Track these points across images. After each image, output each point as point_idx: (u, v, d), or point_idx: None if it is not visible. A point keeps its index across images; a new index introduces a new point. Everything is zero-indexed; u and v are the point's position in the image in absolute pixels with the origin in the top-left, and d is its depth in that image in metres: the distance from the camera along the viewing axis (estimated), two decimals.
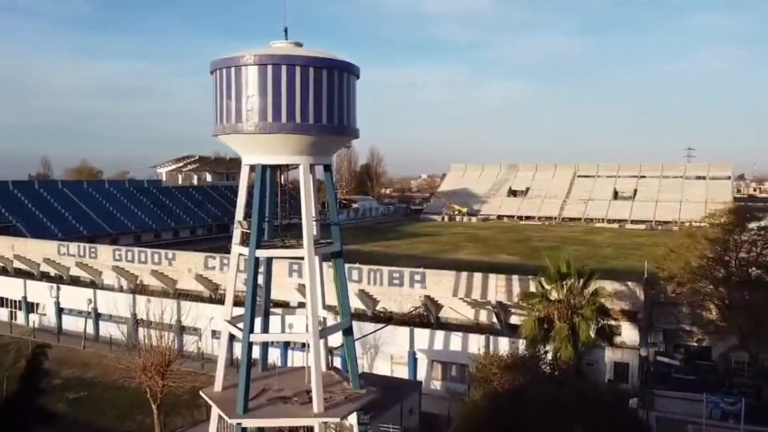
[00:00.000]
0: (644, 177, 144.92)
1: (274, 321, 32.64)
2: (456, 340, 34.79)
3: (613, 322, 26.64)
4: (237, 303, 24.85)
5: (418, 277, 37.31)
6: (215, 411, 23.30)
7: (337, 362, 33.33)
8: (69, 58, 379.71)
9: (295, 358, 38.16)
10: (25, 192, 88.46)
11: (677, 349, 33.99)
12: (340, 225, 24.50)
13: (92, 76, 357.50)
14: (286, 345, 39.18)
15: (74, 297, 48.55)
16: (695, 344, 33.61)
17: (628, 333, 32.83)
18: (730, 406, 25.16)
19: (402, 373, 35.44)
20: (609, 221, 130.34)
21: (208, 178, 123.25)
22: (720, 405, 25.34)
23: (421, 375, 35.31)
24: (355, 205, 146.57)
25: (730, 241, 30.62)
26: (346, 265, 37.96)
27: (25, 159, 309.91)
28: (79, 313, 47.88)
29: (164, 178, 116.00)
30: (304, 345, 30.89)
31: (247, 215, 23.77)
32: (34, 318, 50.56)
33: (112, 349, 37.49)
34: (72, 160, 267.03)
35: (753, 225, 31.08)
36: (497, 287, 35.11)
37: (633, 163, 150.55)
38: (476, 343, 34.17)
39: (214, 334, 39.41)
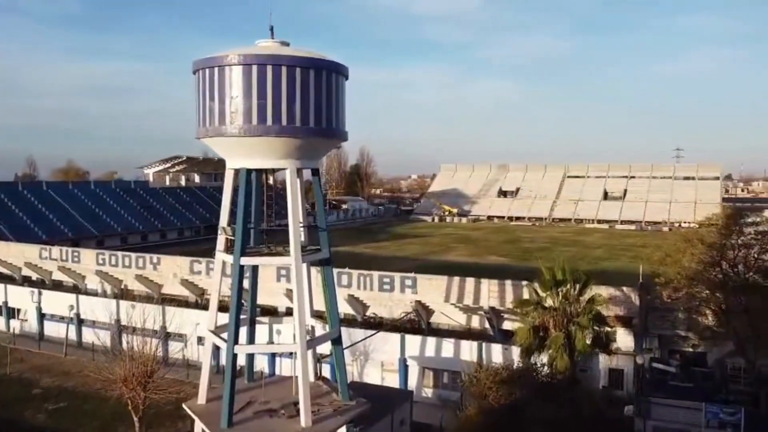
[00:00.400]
0: (634, 177, 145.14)
1: (261, 329, 31.88)
2: (448, 347, 34.04)
3: (609, 330, 25.94)
4: (223, 308, 23.97)
5: (409, 282, 36.48)
6: (198, 425, 22.39)
7: (327, 370, 32.54)
8: (57, 58, 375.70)
9: (284, 365, 37.30)
10: (8, 193, 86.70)
11: (672, 355, 33.41)
12: (328, 231, 23.62)
13: (80, 76, 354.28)
14: (274, 353, 38.22)
15: (56, 302, 47.32)
16: (690, 350, 33.05)
17: (623, 339, 32.23)
18: (730, 416, 24.58)
19: (393, 380, 34.66)
20: (599, 222, 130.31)
21: (197, 179, 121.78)
22: (720, 415, 24.76)
23: (413, 382, 34.56)
24: (344, 206, 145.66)
25: (727, 245, 30.05)
26: (335, 270, 37.13)
27: (11, 159, 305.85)
28: (62, 318, 46.68)
29: (151, 179, 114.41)
30: (292, 353, 30.04)
31: (232, 221, 22.93)
32: (14, 324, 49.22)
33: (94, 357, 36.33)
34: (59, 160, 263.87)
35: (750, 229, 30.56)
36: (489, 292, 34.37)
37: (623, 163, 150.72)
38: (468, 350, 33.45)
39: (200, 340, 38.42)
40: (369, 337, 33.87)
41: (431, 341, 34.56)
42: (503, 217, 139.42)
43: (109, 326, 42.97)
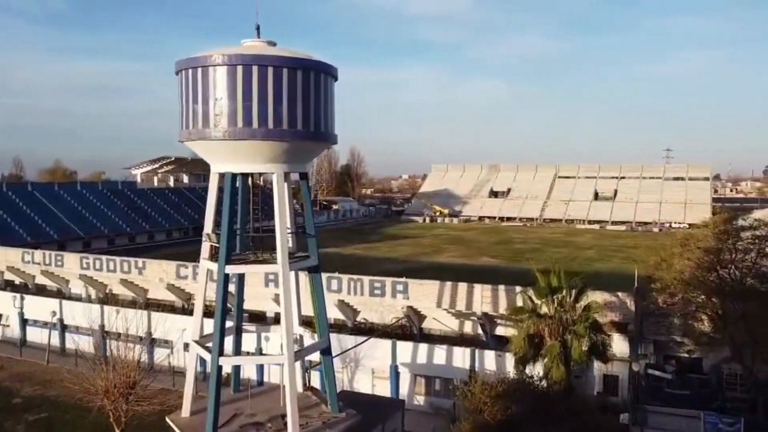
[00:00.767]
0: (624, 178, 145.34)
1: (249, 337, 31.04)
2: (440, 354, 33.31)
3: (606, 338, 25.35)
4: (209, 314, 23.04)
5: (400, 288, 35.71)
6: None
7: (316, 378, 31.71)
8: (45, 57, 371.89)
9: (272, 372, 36.39)
10: None
11: (667, 361, 32.91)
12: (317, 237, 22.81)
13: (68, 75, 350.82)
14: None
15: (39, 307, 46.11)
16: (686, 355, 32.56)
17: (618, 344, 31.59)
18: (729, 426, 24.05)
19: (384, 387, 33.88)
20: (590, 222, 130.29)
21: (185, 179, 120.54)
22: (719, 425, 24.23)
23: (404, 390, 33.78)
24: (335, 207, 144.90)
25: (723, 249, 29.58)
26: (325, 275, 36.39)
27: None
28: (45, 324, 45.49)
29: (139, 180, 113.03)
30: None
31: (217, 226, 22.09)
32: None
33: (77, 365, 35.28)
34: (47, 160, 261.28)
35: (747, 233, 30.08)
36: (482, 298, 33.69)
37: (613, 164, 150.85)
38: (461, 357, 32.74)
39: (187, 347, 37.37)
40: (359, 344, 33.10)
41: (423, 348, 33.82)
42: (494, 218, 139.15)
43: (93, 332, 41.86)
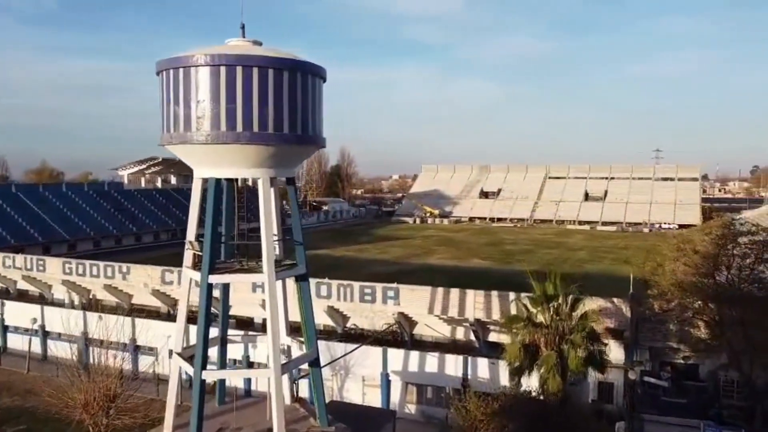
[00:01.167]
0: (614, 178, 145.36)
1: (235, 347, 30.11)
2: (432, 361, 32.52)
3: (603, 347, 24.67)
4: (193, 319, 22.06)
5: (391, 293, 34.85)
6: None
7: (304, 386, 30.85)
8: (32, 56, 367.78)
9: (260, 380, 35.47)
10: None
11: (663, 367, 32.33)
12: (304, 244, 21.96)
13: (58, 74, 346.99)
14: (249, 366, 36.42)
15: (20, 313, 44.85)
16: (682, 361, 32.00)
17: (614, 351, 30.90)
18: None
19: (375, 396, 33.08)
20: (580, 223, 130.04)
21: (173, 180, 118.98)
22: None
23: (395, 398, 32.98)
24: (325, 208, 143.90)
25: (721, 255, 29.01)
26: (314, 281, 35.55)
27: None
28: (26, 331, 44.26)
29: (126, 181, 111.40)
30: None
31: (201, 234, 21.19)
32: None
33: (58, 374, 34.17)
34: (33, 160, 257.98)
35: (744, 239, 29.53)
36: (475, 304, 32.92)
37: (603, 164, 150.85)
38: (453, 365, 31.99)
39: (172, 354, 36.43)
40: (350, 352, 32.27)
41: (414, 355, 33.02)
42: (485, 219, 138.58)
43: (76, 339, 40.73)
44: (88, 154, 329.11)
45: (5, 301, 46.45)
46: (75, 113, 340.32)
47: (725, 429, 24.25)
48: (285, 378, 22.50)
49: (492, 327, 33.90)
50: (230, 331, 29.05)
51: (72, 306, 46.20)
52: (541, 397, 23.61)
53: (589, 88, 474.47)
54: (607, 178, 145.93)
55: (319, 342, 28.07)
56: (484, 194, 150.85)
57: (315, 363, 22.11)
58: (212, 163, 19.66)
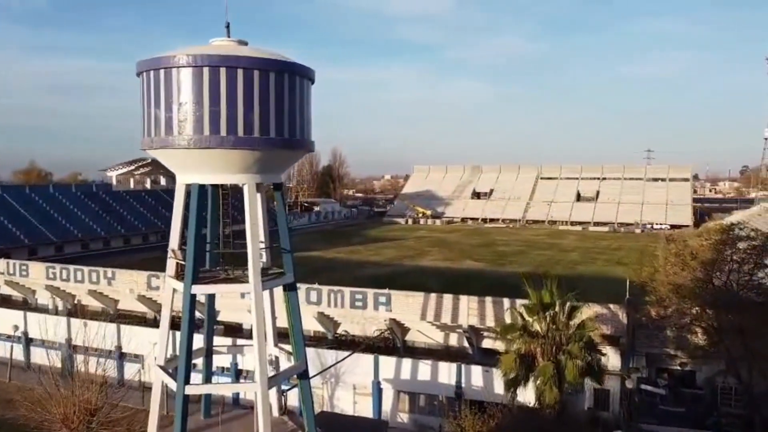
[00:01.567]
0: (606, 179, 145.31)
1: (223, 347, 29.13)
2: (425, 369, 31.80)
3: (601, 357, 23.99)
4: (176, 326, 21.13)
5: (382, 299, 34.05)
6: None
7: (294, 395, 29.99)
8: (22, 55, 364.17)
9: (248, 391, 34.60)
10: None
11: (660, 374, 31.78)
12: (292, 252, 21.12)
13: (46, 74, 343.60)
14: (238, 373, 35.60)
15: (1, 320, 43.72)
16: (678, 368, 31.44)
17: (610, 358, 30.40)
18: None
19: (366, 405, 32.32)
20: (572, 223, 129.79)
21: (162, 181, 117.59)
22: None
23: (387, 407, 32.23)
24: (317, 208, 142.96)
25: (718, 260, 28.45)
26: (304, 286, 34.76)
27: None
28: (8, 338, 43.15)
29: (115, 182, 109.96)
30: None
31: (185, 241, 20.32)
32: None
33: (41, 382, 33.10)
34: (22, 160, 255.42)
35: (743, 244, 28.97)
36: (469, 310, 32.21)
37: (595, 164, 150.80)
38: (447, 372, 31.28)
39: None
40: (340, 361, 31.47)
41: (407, 363, 32.27)
42: (477, 219, 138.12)
43: (59, 346, 39.74)
44: (77, 154, 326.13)
45: None
46: (64, 113, 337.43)
47: None
48: (273, 390, 21.70)
49: (486, 333, 33.22)
50: (217, 339, 28.23)
51: (56, 312, 45.15)
52: (537, 407, 22.97)
53: (580, 88, 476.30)
54: (599, 179, 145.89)
55: (309, 349, 27.25)
56: (476, 195, 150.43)
57: (303, 375, 21.29)
58: (195, 168, 18.78)
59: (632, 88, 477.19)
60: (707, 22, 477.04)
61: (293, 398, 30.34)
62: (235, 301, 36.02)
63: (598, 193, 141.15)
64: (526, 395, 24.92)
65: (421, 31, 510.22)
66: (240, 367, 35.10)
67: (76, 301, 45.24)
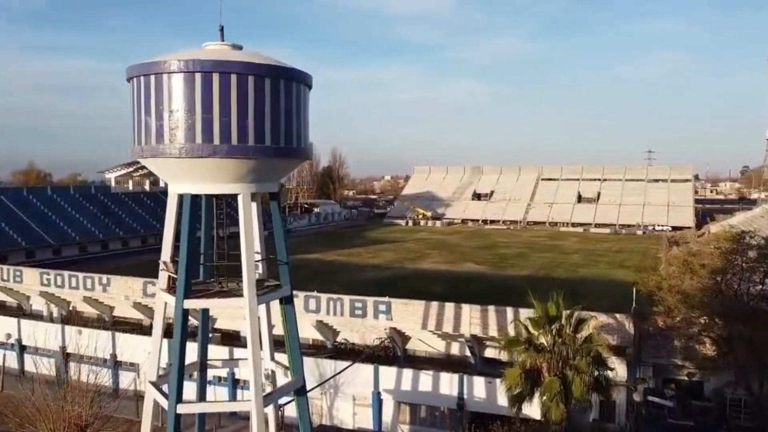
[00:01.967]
0: (607, 180, 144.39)
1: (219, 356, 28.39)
2: (426, 379, 31.03)
3: (610, 372, 23.22)
4: (170, 333, 20.34)
5: (383, 308, 33.26)
6: None
7: (291, 408, 29.23)
8: (20, 55, 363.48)
9: (246, 397, 33.82)
10: None
11: (667, 384, 30.98)
12: (289, 264, 20.38)
13: (46, 74, 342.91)
14: (235, 383, 34.85)
15: None
16: (686, 378, 30.66)
17: (616, 369, 29.62)
18: None
19: (365, 416, 31.59)
20: (573, 225, 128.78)
21: (162, 183, 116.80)
22: None
23: (387, 418, 31.46)
24: (316, 210, 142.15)
25: (728, 269, 27.69)
26: (302, 294, 33.99)
27: None
28: (2, 345, 42.39)
29: (113, 183, 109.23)
30: None
31: (177, 254, 19.55)
32: None
33: (34, 391, 32.34)
34: (21, 160, 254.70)
35: (753, 252, 28.22)
36: (471, 319, 31.44)
37: (596, 165, 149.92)
38: (449, 383, 30.51)
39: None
40: (339, 372, 30.70)
41: (407, 373, 31.50)
42: (478, 220, 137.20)
43: (54, 354, 39.01)
44: (76, 154, 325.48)
45: None
46: (64, 113, 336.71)
47: None
48: (269, 410, 20.98)
49: (488, 343, 32.44)
50: (213, 348, 27.52)
51: (51, 318, 44.40)
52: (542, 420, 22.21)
53: (580, 88, 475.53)
54: (600, 180, 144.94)
55: (307, 359, 26.50)
56: (477, 196, 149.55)
57: (301, 391, 20.56)
58: (187, 178, 18.08)
59: (632, 88, 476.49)
60: (707, 22, 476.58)
61: (292, 410, 29.62)
62: (231, 310, 35.26)
63: (599, 194, 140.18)
64: (531, 408, 24.14)
65: (421, 31, 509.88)
66: (237, 376, 34.33)
67: (71, 308, 44.47)
